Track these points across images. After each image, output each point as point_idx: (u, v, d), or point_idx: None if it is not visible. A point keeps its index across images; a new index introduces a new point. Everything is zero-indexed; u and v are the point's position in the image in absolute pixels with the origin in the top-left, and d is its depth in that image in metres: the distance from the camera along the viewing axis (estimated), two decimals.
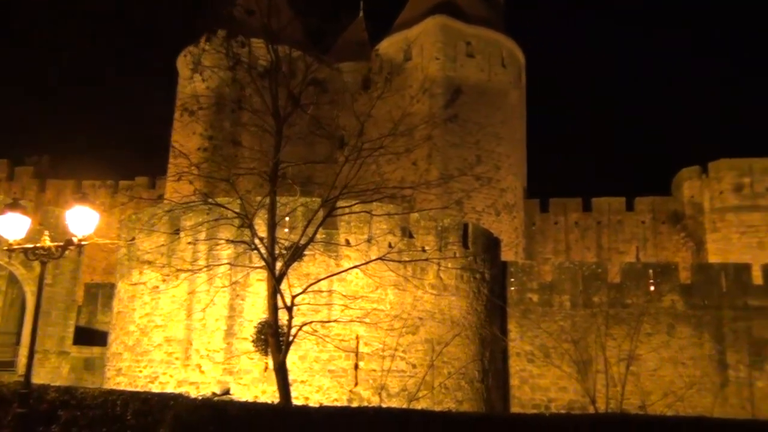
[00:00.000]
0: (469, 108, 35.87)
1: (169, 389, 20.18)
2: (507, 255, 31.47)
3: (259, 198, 15.09)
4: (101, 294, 30.71)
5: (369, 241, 22.01)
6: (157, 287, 22.57)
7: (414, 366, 21.77)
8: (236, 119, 28.16)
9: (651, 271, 26.58)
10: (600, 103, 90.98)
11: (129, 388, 19.67)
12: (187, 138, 30.47)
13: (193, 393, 18.70)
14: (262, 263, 13.50)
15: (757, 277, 25.96)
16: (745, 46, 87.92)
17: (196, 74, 14.53)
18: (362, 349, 21.25)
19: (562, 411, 23.34)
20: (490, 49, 37.77)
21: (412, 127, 25.37)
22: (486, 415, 15.33)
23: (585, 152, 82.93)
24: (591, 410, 17.59)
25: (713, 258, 33.34)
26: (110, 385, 22.42)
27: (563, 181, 69.32)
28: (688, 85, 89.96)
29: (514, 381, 25.44)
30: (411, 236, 22.73)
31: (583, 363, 23.18)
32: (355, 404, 18.74)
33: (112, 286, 25.85)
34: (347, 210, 16.07)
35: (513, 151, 38.03)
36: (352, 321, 19.00)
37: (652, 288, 25.90)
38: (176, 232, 22.59)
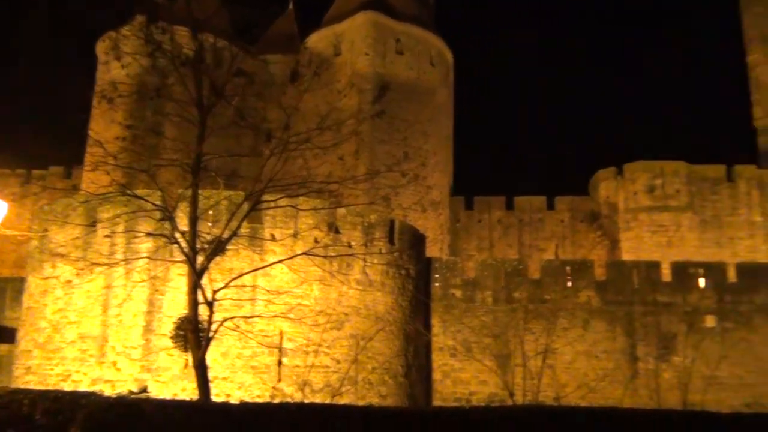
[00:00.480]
0: (397, 105, 36.12)
1: (83, 388, 19.40)
2: (432, 251, 31.92)
3: (180, 190, 14.71)
4: (10, 288, 29.20)
5: (295, 236, 21.84)
6: (71, 281, 21.65)
7: (338, 361, 21.77)
8: (158, 109, 27.28)
9: (568, 268, 27.55)
10: (524, 104, 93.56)
11: (39, 387, 18.78)
12: (106, 127, 29.35)
13: (108, 391, 18.05)
14: (183, 257, 13.18)
15: (666, 275, 27.34)
16: (661, 52, 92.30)
17: (116, 60, 14.02)
18: (286, 344, 21.08)
19: (483, 404, 23.91)
20: (420, 47, 38.15)
21: (340, 122, 25.30)
22: (407, 409, 15.52)
23: (509, 152, 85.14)
24: (510, 402, 18.14)
25: (626, 256, 34.89)
26: (18, 384, 21.32)
27: (488, 179, 70.91)
28: (609, 87, 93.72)
29: (436, 375, 25.85)
30: (337, 231, 22.70)
31: (503, 357, 23.84)
32: (277, 400, 18.57)
33: (22, 280, 24.59)
34: (273, 204, 15.88)
35: (440, 148, 38.59)
36: (276, 316, 18.83)
37: (569, 284, 26.86)
38: (92, 224, 21.73)
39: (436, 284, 26.76)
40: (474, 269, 27.49)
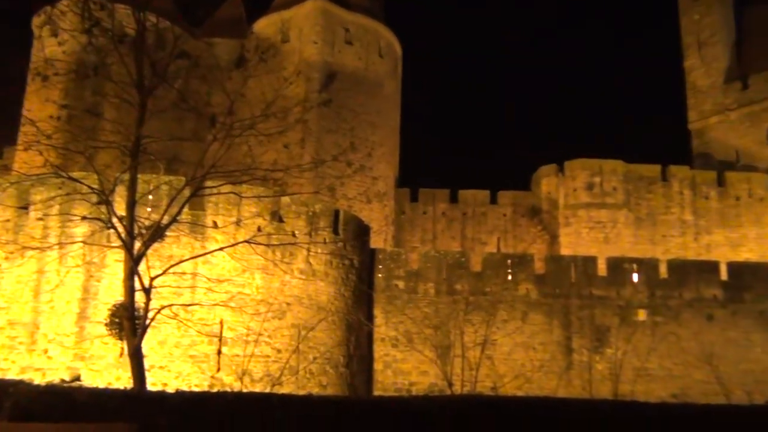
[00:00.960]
0: (345, 95, 35.98)
1: (11, 376, 18.69)
2: (376, 242, 32.01)
3: (118, 174, 14.28)
4: None
5: (237, 223, 21.54)
6: (0, 266, 20.78)
7: (279, 351, 21.63)
8: (97, 89, 26.35)
9: (509, 261, 28.07)
10: (471, 99, 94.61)
11: None
12: (40, 105, 28.17)
13: (39, 380, 17.45)
14: (120, 243, 12.82)
15: (602, 269, 28.17)
16: (605, 55, 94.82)
17: (52, 37, 13.48)
18: (226, 333, 20.80)
19: (422, 394, 24.17)
20: (369, 37, 38.05)
21: (286, 110, 25.05)
22: (346, 398, 15.55)
23: (455, 145, 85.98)
24: (448, 392, 18.39)
25: (565, 250, 35.79)
26: None
27: (433, 172, 71.45)
28: (554, 85, 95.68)
29: (378, 365, 25.99)
30: (281, 220, 22.49)
31: (444, 348, 24.15)
32: (216, 390, 18.33)
33: None
34: (215, 191, 15.63)
35: (387, 140, 38.66)
36: (216, 305, 18.55)
37: (509, 277, 27.38)
38: (24, 206, 20.89)
39: (380, 275, 26.86)
40: (417, 261, 27.70)
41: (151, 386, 17.78)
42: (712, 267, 28.57)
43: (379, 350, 26.06)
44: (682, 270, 28.29)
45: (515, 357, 26.15)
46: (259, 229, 21.48)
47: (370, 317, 25.86)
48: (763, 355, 27.10)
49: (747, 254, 36.72)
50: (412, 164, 65.61)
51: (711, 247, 37.40)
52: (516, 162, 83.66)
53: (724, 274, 28.26)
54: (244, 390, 17.02)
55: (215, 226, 21.18)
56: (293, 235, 22.31)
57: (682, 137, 46.70)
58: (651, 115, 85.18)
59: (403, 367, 26.07)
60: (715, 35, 44.97)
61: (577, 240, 36.81)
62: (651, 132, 77.27)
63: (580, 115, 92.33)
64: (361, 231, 25.87)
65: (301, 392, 19.00)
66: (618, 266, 28.16)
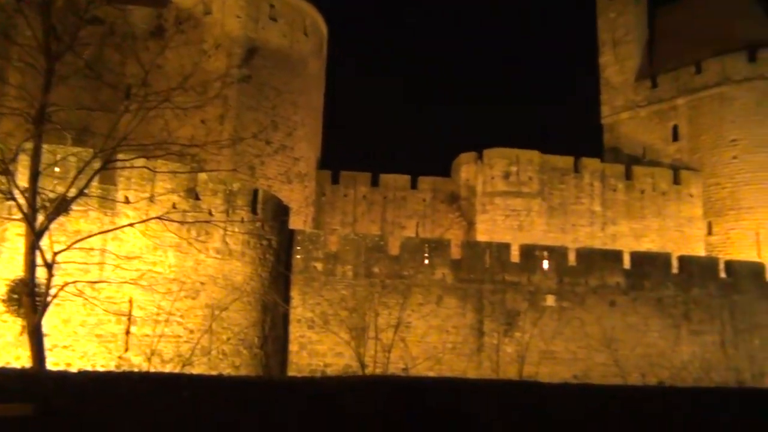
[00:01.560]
0: (268, 72, 35.31)
1: None
2: (296, 223, 31.75)
3: (21, 142, 13.49)
4: None
5: (150, 199, 20.85)
6: None
7: (191, 331, 21.18)
8: (1, 52, 24.72)
9: (427, 246, 28.53)
10: (396, 83, 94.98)
11: None
12: None
13: None
14: (21, 215, 12.16)
15: (515, 256, 29.10)
16: (527, 50, 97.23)
17: None
18: (135, 312, 20.17)
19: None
20: (294, 15, 37.44)
21: (206, 84, 24.30)
22: (256, 379, 15.44)
23: (377, 129, 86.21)
24: (361, 374, 18.57)
25: (481, 237, 36.72)
26: None
27: (355, 155, 71.56)
28: (479, 73, 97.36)
29: (293, 347, 25.92)
30: (197, 198, 21.93)
31: (360, 330, 24.36)
32: (123, 370, 17.78)
33: None
34: (128, 164, 15.03)
35: (309, 120, 38.30)
36: (125, 283, 17.93)
37: (426, 262, 27.84)
38: None
39: (298, 256, 26.70)
40: (336, 243, 27.71)
41: (53, 366, 17.04)
42: (616, 256, 30.05)
43: (294, 331, 25.99)
44: (589, 258, 29.60)
45: (429, 339, 26.70)
46: (173, 206, 20.85)
47: (287, 298, 25.71)
48: (659, 339, 28.83)
49: (649, 244, 38.87)
50: (335, 146, 65.44)
51: (616, 236, 39.33)
52: (437, 148, 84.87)
53: (627, 263, 29.79)
54: (153, 371, 16.59)
55: (127, 201, 20.44)
56: (209, 213, 21.82)
57: (596, 131, 48.76)
58: (569, 108, 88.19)
59: (319, 349, 26.12)
60: (629, 34, 46.98)
61: (492, 227, 37.83)
62: (567, 125, 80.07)
63: (501, 105, 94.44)
64: (280, 211, 25.60)
65: (213, 373, 18.73)
66: (530, 253, 29.15)
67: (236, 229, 22.45)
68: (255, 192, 23.99)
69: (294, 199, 34.42)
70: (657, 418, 11.74)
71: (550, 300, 28.48)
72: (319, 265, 26.78)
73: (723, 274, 30.80)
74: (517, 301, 27.53)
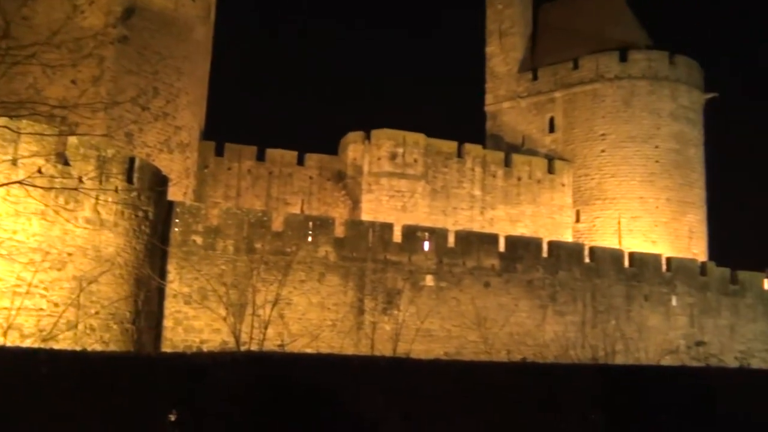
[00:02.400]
0: (150, 35, 33.50)
1: None
2: (175, 195, 30.61)
3: None
4: None
5: (13, 162, 19.26)
6: None
7: (56, 305, 19.90)
8: None
9: (311, 223, 28.45)
10: (285, 57, 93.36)
11: None
12: None
13: None
14: None
15: (397, 236, 29.70)
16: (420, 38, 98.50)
17: None
18: None
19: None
20: None
21: (80, 42, 22.71)
22: (124, 354, 14.82)
23: (266, 102, 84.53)
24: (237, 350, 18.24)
25: (365, 216, 37.13)
26: None
27: (241, 127, 69.66)
28: (372, 51, 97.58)
29: (168, 323, 25.08)
30: (66, 163, 20.51)
31: (239, 306, 23.95)
32: None
33: None
34: None
35: (193, 88, 36.80)
36: None
37: (310, 239, 27.77)
38: None
39: (176, 229, 25.76)
40: (218, 217, 27.01)
41: None
42: (493, 239, 31.43)
43: (170, 307, 25.13)
44: (467, 240, 30.75)
45: (309, 317, 26.74)
46: (39, 171, 19.39)
47: (163, 273, 24.77)
48: (527, 319, 30.57)
49: (523, 229, 40.96)
50: (220, 118, 63.54)
51: (494, 221, 41.13)
52: (326, 126, 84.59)
53: (502, 246, 31.24)
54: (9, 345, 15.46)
55: None
56: (80, 180, 20.49)
57: (480, 118, 50.48)
58: (457, 95, 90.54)
59: (195, 325, 25.46)
60: (514, 26, 48.84)
61: (377, 207, 38.35)
62: (454, 111, 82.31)
63: (391, 86, 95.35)
64: (159, 181, 24.51)
65: (78, 348, 17.76)
66: (412, 234, 29.84)
67: (109, 199, 21.25)
68: (131, 160, 22.81)
69: (174, 169, 33.12)
70: (512, 391, 12.56)
71: (429, 280, 29.35)
72: (198, 239, 25.99)
73: (587, 260, 33.07)
74: (397, 280, 28.12)
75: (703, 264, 37.38)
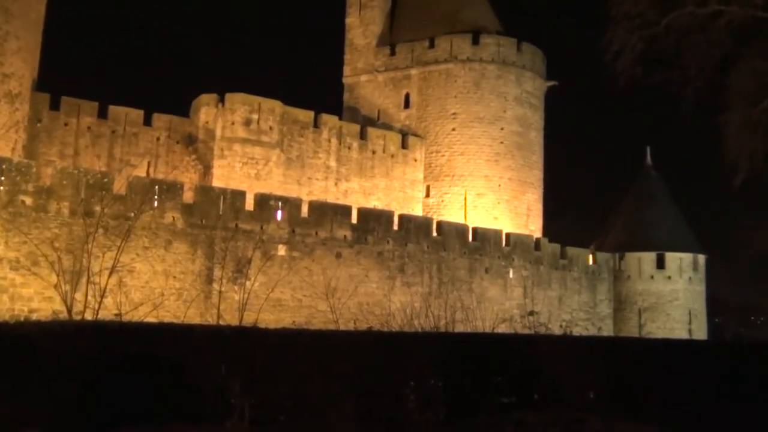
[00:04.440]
0: None
1: None
2: (3, 151, 27.73)
3: None
4: None
5: None
6: None
7: None
8: None
9: (157, 187, 27.08)
10: (136, 6, 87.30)
11: None
12: None
13: None
14: None
15: (249, 204, 29.08)
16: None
17: None
18: None
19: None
20: None
21: None
22: None
23: (111, 56, 78.66)
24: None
25: (217, 182, 35.92)
26: None
27: (82, 81, 64.38)
28: (227, 13, 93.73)
29: None
30: None
31: (75, 273, 22.34)
32: None
33: None
34: None
35: (25, 33, 33.26)
36: None
37: (155, 204, 26.44)
38: None
39: (2, 188, 23.44)
40: (51, 177, 24.93)
41: None
42: (346, 211, 31.77)
43: None
44: (321, 211, 30.84)
45: (153, 285, 25.59)
46: None
47: None
48: (376, 289, 31.40)
49: (376, 202, 41.78)
50: (57, 69, 58.35)
51: (348, 192, 41.54)
52: (177, 86, 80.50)
53: (354, 218, 31.68)
54: None
55: None
56: None
57: (337, 89, 50.41)
58: (317, 65, 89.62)
59: (24, 293, 23.52)
60: (374, 0, 49.04)
61: (229, 173, 37.26)
62: (314, 80, 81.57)
63: (248, 50, 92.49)
64: None
65: None
66: (265, 202, 29.38)
67: None
68: None
69: (1, 122, 29.94)
70: (357, 358, 12.97)
71: (282, 249, 29.13)
72: (28, 200, 23.86)
73: (435, 233, 34.46)
74: (248, 249, 27.59)
75: (538, 240, 40.40)
